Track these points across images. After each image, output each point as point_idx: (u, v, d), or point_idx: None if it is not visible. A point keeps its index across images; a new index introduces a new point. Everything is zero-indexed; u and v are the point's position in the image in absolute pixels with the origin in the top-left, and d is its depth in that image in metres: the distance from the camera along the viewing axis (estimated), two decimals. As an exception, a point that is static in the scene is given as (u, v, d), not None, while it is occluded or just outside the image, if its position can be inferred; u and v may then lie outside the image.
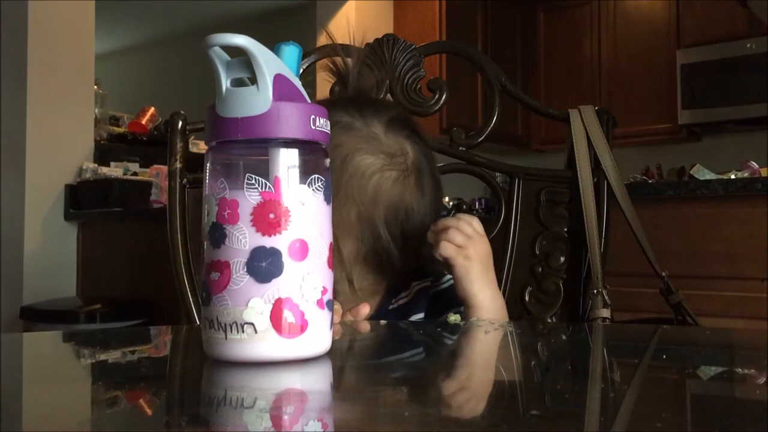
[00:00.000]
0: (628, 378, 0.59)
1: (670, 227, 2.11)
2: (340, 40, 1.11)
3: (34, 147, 3.09)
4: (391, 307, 1.00)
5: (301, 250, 0.57)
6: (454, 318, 0.94)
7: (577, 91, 4.58)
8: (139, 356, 0.71)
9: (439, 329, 0.86)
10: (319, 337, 0.57)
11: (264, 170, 0.56)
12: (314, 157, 0.59)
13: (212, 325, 0.57)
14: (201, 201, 0.60)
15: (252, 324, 0.55)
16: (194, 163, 1.06)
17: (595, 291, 1.11)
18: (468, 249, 0.92)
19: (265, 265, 0.55)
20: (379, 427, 0.43)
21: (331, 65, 1.02)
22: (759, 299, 1.95)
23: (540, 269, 1.18)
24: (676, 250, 2.06)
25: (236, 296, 0.56)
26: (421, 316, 1.02)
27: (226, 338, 0.56)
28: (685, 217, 2.12)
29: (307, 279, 0.56)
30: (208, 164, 0.59)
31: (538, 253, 1.18)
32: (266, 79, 0.56)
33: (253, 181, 0.56)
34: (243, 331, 0.55)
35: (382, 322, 0.93)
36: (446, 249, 0.92)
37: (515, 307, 1.18)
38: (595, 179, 1.17)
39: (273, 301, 0.55)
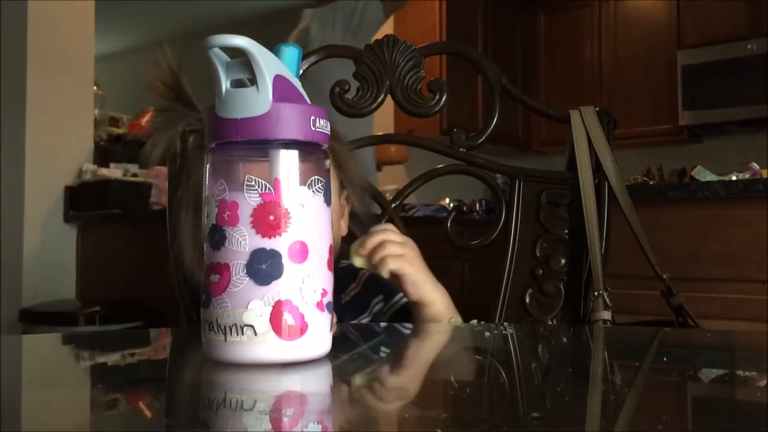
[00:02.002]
0: (629, 380, 0.59)
1: (671, 229, 2.11)
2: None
3: (34, 148, 3.09)
4: (343, 301, 1.00)
5: (301, 252, 0.56)
6: (453, 320, 0.94)
7: (577, 92, 4.57)
8: (138, 358, 0.71)
9: (440, 332, 0.85)
10: (318, 340, 0.57)
11: (264, 172, 0.56)
12: (314, 159, 0.59)
13: (212, 327, 0.56)
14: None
15: (252, 326, 0.55)
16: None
17: (596, 293, 1.10)
18: (408, 254, 0.93)
19: (264, 267, 0.55)
20: (379, 429, 0.43)
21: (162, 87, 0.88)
22: (760, 301, 1.95)
23: (541, 271, 1.18)
24: (677, 251, 2.06)
25: (236, 298, 0.55)
26: (380, 298, 1.02)
27: (225, 340, 0.56)
28: (686, 219, 2.11)
29: (307, 281, 0.56)
30: (207, 165, 0.59)
31: (538, 255, 1.18)
32: (266, 80, 0.56)
33: (253, 183, 0.56)
34: (243, 334, 0.55)
35: (382, 324, 0.93)
36: (393, 263, 0.92)
37: (516, 310, 1.17)
38: (596, 181, 1.16)
39: (273, 304, 0.55)
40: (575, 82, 4.68)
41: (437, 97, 1.19)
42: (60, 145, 3.17)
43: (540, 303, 1.17)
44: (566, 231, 1.19)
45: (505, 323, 1.12)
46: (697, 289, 1.92)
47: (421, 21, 4.30)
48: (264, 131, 0.56)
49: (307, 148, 0.58)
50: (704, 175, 2.52)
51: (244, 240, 0.56)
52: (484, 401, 0.51)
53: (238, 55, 0.56)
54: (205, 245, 0.58)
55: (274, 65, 0.56)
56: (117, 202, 3.12)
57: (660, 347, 0.75)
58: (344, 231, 1.05)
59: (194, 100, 0.88)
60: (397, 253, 0.93)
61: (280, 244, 0.56)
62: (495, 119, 1.21)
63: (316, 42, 2.85)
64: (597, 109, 1.21)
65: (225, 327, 0.55)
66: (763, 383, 0.56)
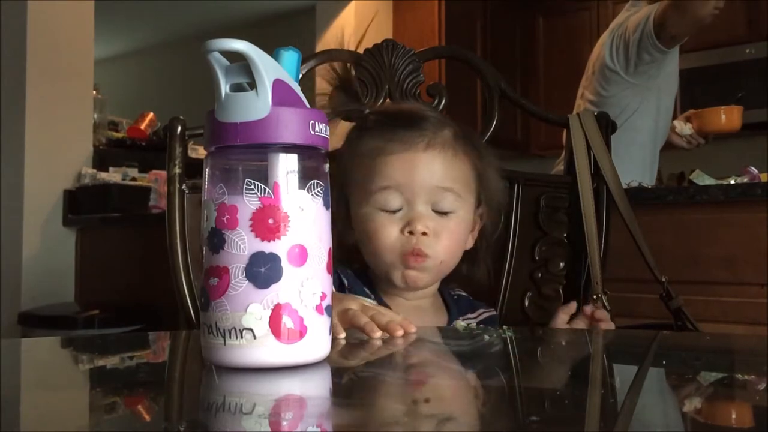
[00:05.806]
0: (628, 383, 0.59)
1: (670, 232, 2.11)
2: (339, 45, 1.12)
3: (33, 152, 3.09)
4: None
5: (300, 255, 0.56)
6: (459, 325, 0.94)
7: (576, 96, 4.57)
8: (137, 362, 0.71)
9: (440, 335, 0.86)
10: (318, 343, 0.57)
11: (263, 175, 0.56)
12: (313, 163, 0.59)
13: (211, 330, 0.56)
14: (200, 206, 0.60)
15: (251, 329, 0.55)
16: (193, 168, 1.06)
17: (594, 296, 1.10)
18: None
19: (264, 271, 0.55)
20: (379, 433, 0.43)
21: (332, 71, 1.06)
22: (759, 304, 1.95)
23: (540, 275, 1.18)
24: (675, 255, 2.06)
25: (235, 302, 0.55)
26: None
27: (224, 344, 0.56)
28: (685, 223, 2.12)
29: (306, 284, 0.56)
30: (207, 169, 0.59)
31: (537, 258, 1.18)
32: (265, 84, 0.56)
33: (252, 187, 0.56)
34: (242, 337, 0.55)
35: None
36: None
37: (515, 313, 1.17)
38: (595, 184, 1.16)
39: (272, 307, 0.55)
40: (574, 86, 4.67)
41: (436, 101, 1.19)
42: (59, 149, 3.17)
43: (539, 306, 1.17)
44: (565, 234, 1.19)
45: (504, 326, 1.12)
46: (696, 293, 1.92)
47: (420, 24, 4.31)
48: (263, 135, 0.56)
49: (306, 152, 0.58)
50: (703, 178, 2.52)
51: (243, 243, 0.56)
52: (484, 404, 0.51)
53: (237, 59, 0.57)
54: (204, 248, 0.58)
55: (274, 69, 0.56)
56: (116, 206, 3.12)
57: (659, 350, 0.75)
58: (469, 244, 1.07)
59: (359, 93, 1.07)
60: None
61: (279, 247, 0.56)
62: (494, 123, 1.21)
63: (602, 66, 2.76)
64: (596, 113, 1.22)
65: (224, 330, 0.55)
66: (762, 386, 0.56)
